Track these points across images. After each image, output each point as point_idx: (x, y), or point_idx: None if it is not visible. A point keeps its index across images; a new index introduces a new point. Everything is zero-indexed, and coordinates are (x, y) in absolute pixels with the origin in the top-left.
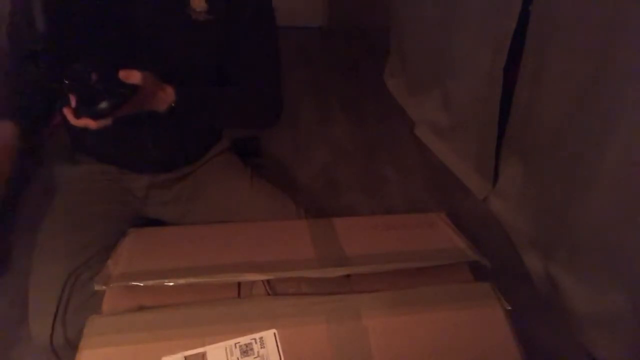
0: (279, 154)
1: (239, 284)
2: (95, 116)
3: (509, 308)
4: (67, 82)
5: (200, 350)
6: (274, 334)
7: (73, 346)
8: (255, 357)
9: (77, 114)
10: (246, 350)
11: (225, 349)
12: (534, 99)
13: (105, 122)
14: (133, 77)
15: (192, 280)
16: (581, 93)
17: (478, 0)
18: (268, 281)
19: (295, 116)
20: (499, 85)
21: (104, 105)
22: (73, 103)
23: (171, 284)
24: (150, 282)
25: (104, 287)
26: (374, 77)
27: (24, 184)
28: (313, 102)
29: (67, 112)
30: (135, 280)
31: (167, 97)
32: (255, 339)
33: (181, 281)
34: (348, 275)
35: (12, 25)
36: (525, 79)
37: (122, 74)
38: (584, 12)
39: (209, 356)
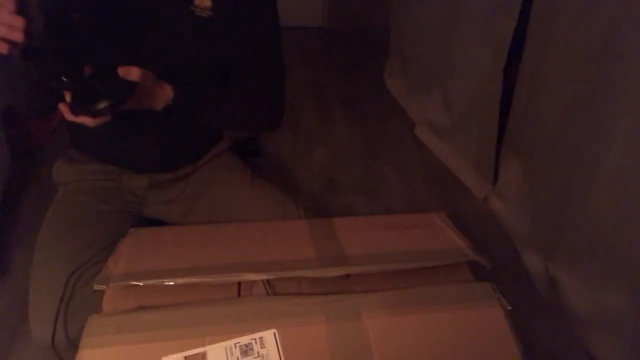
0: (279, 154)
1: (239, 283)
2: (94, 114)
3: (509, 308)
4: (65, 79)
5: (200, 350)
6: (274, 334)
7: (74, 346)
8: (255, 357)
9: (75, 111)
10: (246, 350)
11: (225, 349)
12: (533, 99)
13: (103, 119)
14: (132, 73)
15: (192, 280)
16: (581, 93)
17: (478, 0)
18: (268, 281)
19: (295, 116)
20: (498, 85)
21: (102, 103)
22: (67, 98)
23: (171, 283)
24: (150, 282)
25: (104, 287)
26: (374, 77)
27: (24, 184)
28: (313, 102)
29: (63, 109)
30: (135, 280)
31: (164, 95)
32: (255, 339)
33: (181, 281)
34: (348, 275)
35: None
36: (525, 79)
37: (122, 71)
38: (585, 11)
39: (209, 356)
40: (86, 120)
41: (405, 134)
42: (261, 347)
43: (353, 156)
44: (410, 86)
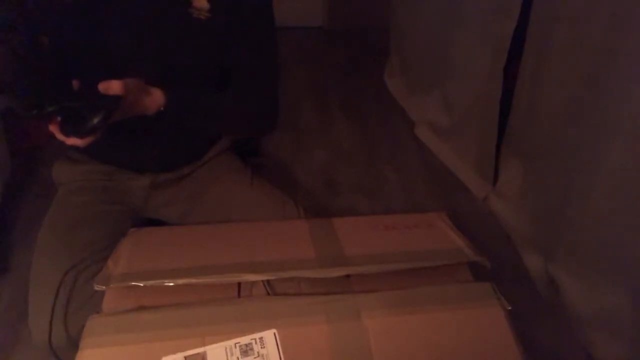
0: (279, 154)
1: (239, 284)
2: (82, 135)
3: (509, 308)
4: (50, 108)
5: (200, 350)
6: (274, 334)
7: (74, 346)
8: (255, 357)
9: (64, 134)
10: (246, 350)
11: (225, 349)
12: (534, 99)
13: (93, 138)
14: (113, 88)
15: (192, 280)
16: (581, 93)
17: (478, 1)
18: (268, 281)
19: (295, 116)
20: (498, 86)
21: (89, 124)
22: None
23: (171, 284)
24: (150, 282)
25: (104, 287)
26: (374, 77)
27: (24, 184)
28: (313, 102)
29: (55, 131)
30: (135, 280)
31: (154, 101)
32: (255, 339)
33: (181, 281)
34: (348, 275)
35: None
36: (525, 79)
37: (102, 87)
38: (584, 12)
39: (209, 356)
40: (76, 142)
41: (405, 134)
42: (261, 347)
43: (353, 156)
44: (410, 86)
